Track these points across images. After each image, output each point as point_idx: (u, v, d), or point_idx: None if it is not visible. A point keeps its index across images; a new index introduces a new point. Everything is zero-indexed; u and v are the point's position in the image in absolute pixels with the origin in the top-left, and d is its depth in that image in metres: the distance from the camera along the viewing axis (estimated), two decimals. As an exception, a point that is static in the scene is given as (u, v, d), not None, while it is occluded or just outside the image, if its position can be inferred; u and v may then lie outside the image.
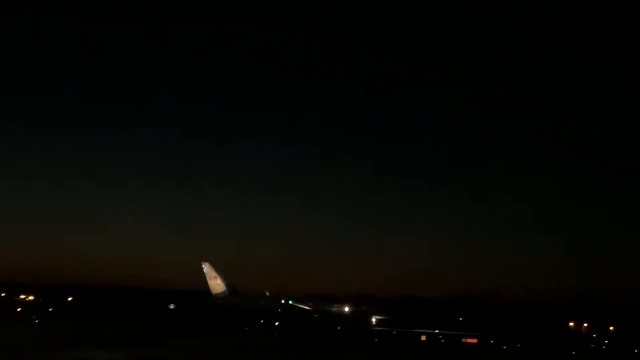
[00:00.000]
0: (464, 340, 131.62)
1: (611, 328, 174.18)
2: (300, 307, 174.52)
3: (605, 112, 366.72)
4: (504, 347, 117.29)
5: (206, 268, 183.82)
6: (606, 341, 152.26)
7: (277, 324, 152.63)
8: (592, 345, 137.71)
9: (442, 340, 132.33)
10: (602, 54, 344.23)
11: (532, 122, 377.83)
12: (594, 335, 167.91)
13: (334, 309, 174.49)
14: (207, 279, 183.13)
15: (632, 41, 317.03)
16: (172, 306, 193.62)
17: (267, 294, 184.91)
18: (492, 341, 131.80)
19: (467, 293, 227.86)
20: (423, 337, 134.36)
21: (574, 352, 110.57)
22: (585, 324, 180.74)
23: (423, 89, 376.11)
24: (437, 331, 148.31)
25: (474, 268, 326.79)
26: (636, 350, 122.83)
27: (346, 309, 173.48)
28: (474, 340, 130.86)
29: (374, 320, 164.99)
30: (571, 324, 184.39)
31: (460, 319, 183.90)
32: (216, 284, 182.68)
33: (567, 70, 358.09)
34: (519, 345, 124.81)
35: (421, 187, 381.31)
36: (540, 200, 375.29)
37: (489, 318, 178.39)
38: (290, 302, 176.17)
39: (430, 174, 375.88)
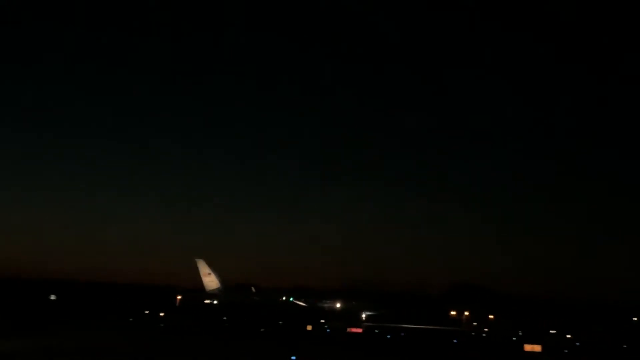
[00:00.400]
0: (349, 329, 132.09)
1: (491, 316, 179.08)
2: (298, 304, 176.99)
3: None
4: (388, 337, 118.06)
5: (200, 265, 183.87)
6: (485, 329, 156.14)
7: (161, 314, 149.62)
8: (473, 334, 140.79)
9: (328, 331, 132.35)
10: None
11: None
12: (475, 323, 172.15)
13: (326, 305, 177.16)
14: (201, 275, 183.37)
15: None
16: (52, 297, 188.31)
17: (253, 289, 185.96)
18: (376, 330, 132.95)
19: (357, 283, 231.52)
20: (309, 327, 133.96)
21: (455, 340, 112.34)
22: (466, 313, 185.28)
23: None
24: (323, 321, 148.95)
25: (369, 259, 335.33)
26: (514, 338, 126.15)
27: (338, 305, 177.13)
28: (359, 330, 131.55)
29: (363, 315, 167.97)
30: (453, 312, 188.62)
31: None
32: (210, 281, 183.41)
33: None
34: (402, 334, 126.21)
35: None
36: (431, 192, 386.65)
37: (377, 307, 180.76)
38: (291, 299, 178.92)
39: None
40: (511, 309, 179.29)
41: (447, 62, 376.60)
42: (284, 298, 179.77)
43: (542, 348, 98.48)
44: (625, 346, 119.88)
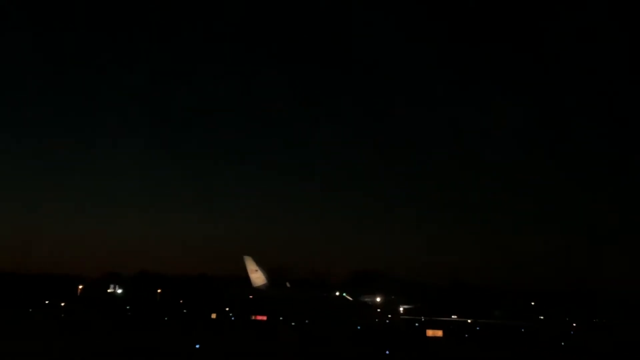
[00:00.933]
0: (253, 317, 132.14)
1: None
2: (348, 299, 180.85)
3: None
4: (292, 324, 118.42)
5: (248, 262, 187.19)
6: (389, 315, 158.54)
7: (62, 304, 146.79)
8: (376, 320, 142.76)
9: (233, 318, 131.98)
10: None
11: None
12: (378, 310, 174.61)
13: (368, 299, 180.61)
14: (248, 272, 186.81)
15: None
16: None
17: (288, 284, 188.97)
18: (281, 318, 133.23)
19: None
20: (213, 315, 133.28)
21: (359, 327, 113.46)
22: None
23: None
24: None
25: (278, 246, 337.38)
26: (417, 324, 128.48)
27: (378, 299, 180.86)
28: (264, 318, 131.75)
29: (401, 309, 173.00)
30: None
31: (251, 297, 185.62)
32: (257, 277, 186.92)
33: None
34: (307, 321, 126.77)
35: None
36: (334, 181, 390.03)
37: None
38: (344, 294, 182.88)
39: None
40: (414, 295, 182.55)
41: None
42: (337, 293, 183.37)
43: (444, 333, 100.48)
44: (522, 330, 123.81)
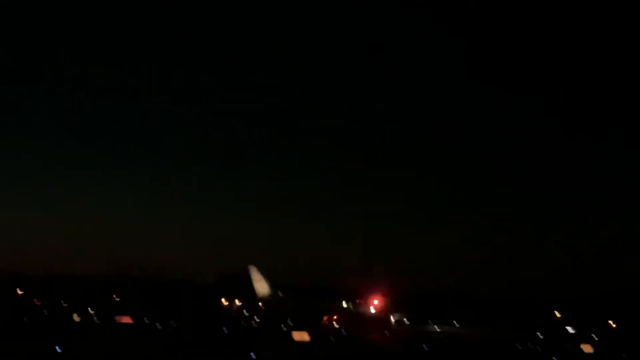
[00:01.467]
0: (118, 319, 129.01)
1: (260, 304, 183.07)
2: (350, 309, 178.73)
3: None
4: (160, 328, 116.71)
5: (252, 272, 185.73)
6: (257, 319, 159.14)
7: None
8: (244, 323, 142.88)
9: (98, 321, 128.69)
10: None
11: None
12: (247, 313, 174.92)
13: (362, 309, 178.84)
14: (253, 282, 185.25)
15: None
16: None
17: (280, 294, 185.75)
18: (147, 321, 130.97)
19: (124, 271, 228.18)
20: (75, 317, 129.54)
21: (226, 331, 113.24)
22: (238, 302, 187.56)
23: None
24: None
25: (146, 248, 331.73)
26: (285, 328, 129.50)
27: (372, 309, 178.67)
28: (130, 320, 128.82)
29: (392, 319, 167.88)
30: (225, 302, 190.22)
31: (118, 299, 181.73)
32: (261, 287, 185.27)
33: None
34: (175, 325, 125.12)
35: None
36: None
37: (146, 296, 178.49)
38: (349, 304, 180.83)
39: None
40: (283, 298, 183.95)
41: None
42: (344, 304, 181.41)
43: (310, 336, 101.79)
44: (387, 333, 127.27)
